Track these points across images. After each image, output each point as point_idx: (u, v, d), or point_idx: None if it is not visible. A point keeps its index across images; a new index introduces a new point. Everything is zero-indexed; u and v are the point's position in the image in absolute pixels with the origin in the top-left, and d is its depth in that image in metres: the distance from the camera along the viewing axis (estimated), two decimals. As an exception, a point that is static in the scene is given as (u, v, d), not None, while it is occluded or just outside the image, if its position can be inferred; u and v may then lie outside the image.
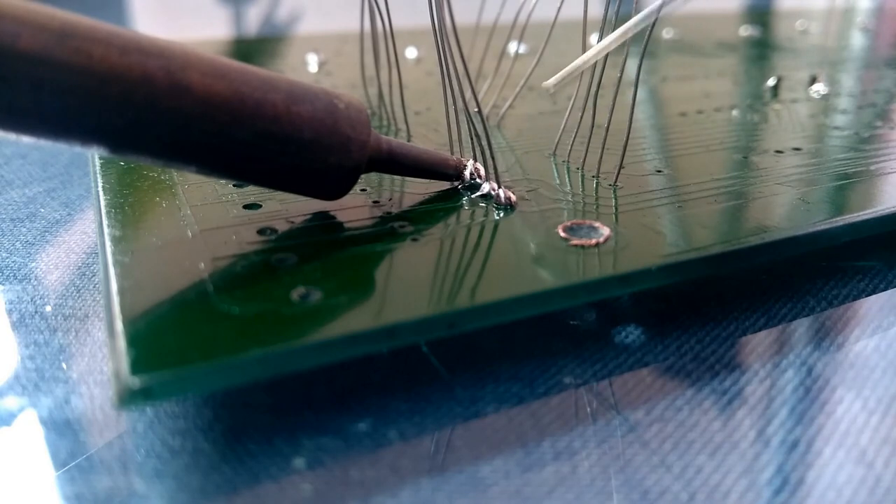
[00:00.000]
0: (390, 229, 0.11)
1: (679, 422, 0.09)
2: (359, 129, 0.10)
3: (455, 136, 0.13)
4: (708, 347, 0.10)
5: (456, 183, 0.13)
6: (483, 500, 0.08)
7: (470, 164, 0.12)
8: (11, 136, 0.09)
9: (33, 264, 0.13)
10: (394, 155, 0.11)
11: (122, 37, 0.09)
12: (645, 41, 0.12)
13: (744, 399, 0.09)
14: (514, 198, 0.12)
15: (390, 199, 0.12)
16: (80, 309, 0.11)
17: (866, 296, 0.12)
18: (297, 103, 0.10)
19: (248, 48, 0.27)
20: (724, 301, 0.11)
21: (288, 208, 0.11)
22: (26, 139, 0.09)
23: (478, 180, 0.12)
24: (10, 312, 0.11)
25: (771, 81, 0.20)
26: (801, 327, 0.11)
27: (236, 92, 0.09)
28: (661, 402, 0.09)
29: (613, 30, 0.12)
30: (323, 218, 0.11)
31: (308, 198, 0.12)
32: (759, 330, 0.11)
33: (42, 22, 0.08)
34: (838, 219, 0.12)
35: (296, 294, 0.09)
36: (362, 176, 0.13)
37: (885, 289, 0.12)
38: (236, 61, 0.10)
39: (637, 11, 0.12)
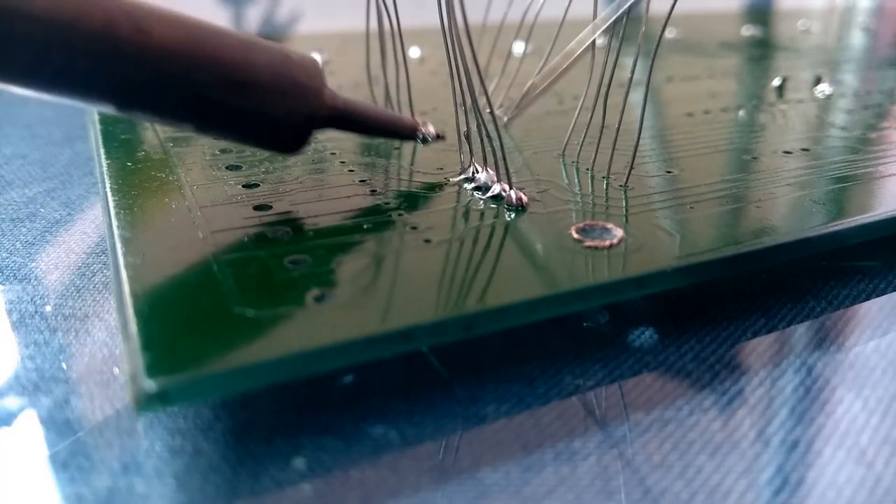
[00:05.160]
0: (402, 231, 0.11)
1: (679, 422, 0.09)
2: (314, 77, 0.11)
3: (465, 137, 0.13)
4: (708, 348, 0.10)
5: (415, 142, 0.13)
6: (483, 499, 0.08)
7: (429, 125, 0.13)
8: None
9: (33, 264, 0.13)
10: (350, 111, 0.12)
11: None
12: (657, 43, 0.12)
13: (744, 399, 0.09)
14: (525, 199, 0.12)
15: (401, 201, 0.12)
16: (80, 309, 0.11)
17: (867, 296, 0.12)
18: (253, 52, 0.10)
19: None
20: (724, 301, 0.11)
21: (298, 209, 0.11)
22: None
23: (429, 139, 0.13)
24: (10, 312, 0.11)
25: (776, 81, 0.20)
26: (801, 327, 0.11)
27: (195, 39, 0.10)
28: (661, 403, 0.09)
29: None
30: (334, 219, 0.11)
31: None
32: (759, 330, 0.11)
33: None
34: (855, 219, 0.11)
35: (311, 296, 0.09)
36: (373, 178, 0.13)
37: (886, 289, 0.12)
38: (195, 17, 0.10)
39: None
